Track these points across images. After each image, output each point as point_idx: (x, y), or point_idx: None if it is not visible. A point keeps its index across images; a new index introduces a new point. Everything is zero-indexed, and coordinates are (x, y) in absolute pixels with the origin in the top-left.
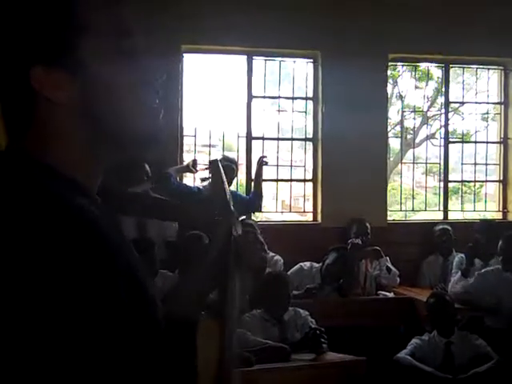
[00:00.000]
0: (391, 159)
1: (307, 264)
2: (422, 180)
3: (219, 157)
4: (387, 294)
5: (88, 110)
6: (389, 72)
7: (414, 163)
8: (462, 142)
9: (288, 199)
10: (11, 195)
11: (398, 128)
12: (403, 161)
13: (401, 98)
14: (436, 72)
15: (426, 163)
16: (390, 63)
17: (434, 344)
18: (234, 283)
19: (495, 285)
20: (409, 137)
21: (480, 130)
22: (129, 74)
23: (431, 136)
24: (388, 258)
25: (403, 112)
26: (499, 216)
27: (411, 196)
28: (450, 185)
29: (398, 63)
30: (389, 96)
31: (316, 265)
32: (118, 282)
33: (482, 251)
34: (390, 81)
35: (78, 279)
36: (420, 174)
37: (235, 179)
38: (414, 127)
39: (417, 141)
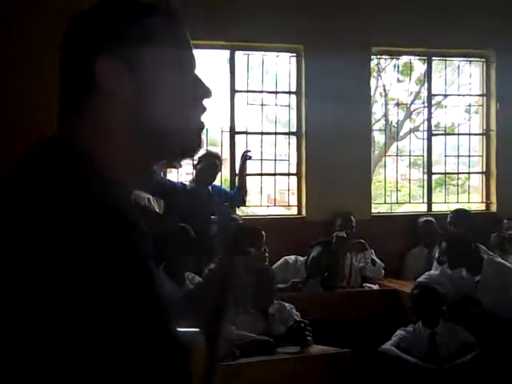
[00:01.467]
0: (375, 152)
1: (292, 258)
2: (406, 173)
3: (203, 152)
4: (372, 286)
5: (138, 108)
6: (372, 65)
7: (397, 156)
8: (445, 134)
9: (273, 193)
10: (47, 179)
11: (382, 121)
12: (387, 154)
13: (384, 91)
14: (419, 66)
15: (410, 156)
16: (372, 56)
17: (418, 335)
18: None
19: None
20: (393, 130)
21: (463, 122)
22: (183, 88)
23: (415, 129)
24: (373, 251)
25: (387, 105)
26: (482, 207)
27: (395, 189)
28: (435, 177)
29: (381, 56)
30: (372, 90)
31: (301, 258)
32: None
33: None
34: (374, 74)
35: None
36: (404, 166)
37: (219, 174)
38: (398, 120)
39: (401, 134)
